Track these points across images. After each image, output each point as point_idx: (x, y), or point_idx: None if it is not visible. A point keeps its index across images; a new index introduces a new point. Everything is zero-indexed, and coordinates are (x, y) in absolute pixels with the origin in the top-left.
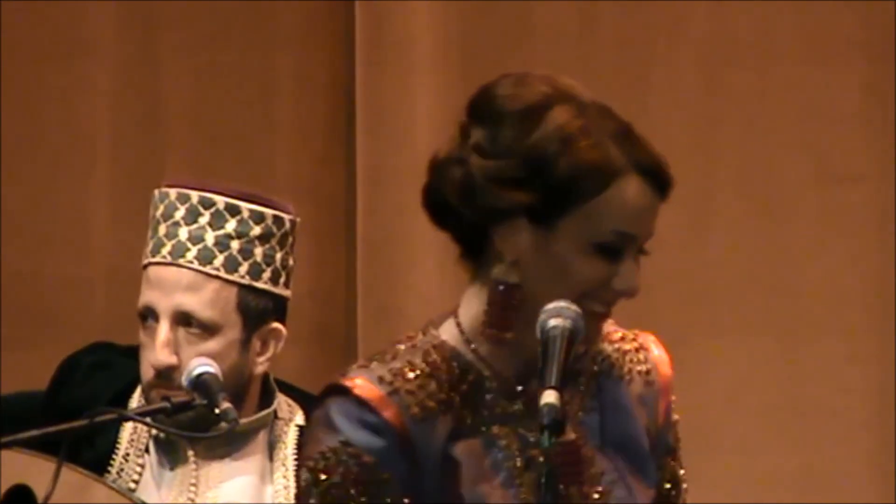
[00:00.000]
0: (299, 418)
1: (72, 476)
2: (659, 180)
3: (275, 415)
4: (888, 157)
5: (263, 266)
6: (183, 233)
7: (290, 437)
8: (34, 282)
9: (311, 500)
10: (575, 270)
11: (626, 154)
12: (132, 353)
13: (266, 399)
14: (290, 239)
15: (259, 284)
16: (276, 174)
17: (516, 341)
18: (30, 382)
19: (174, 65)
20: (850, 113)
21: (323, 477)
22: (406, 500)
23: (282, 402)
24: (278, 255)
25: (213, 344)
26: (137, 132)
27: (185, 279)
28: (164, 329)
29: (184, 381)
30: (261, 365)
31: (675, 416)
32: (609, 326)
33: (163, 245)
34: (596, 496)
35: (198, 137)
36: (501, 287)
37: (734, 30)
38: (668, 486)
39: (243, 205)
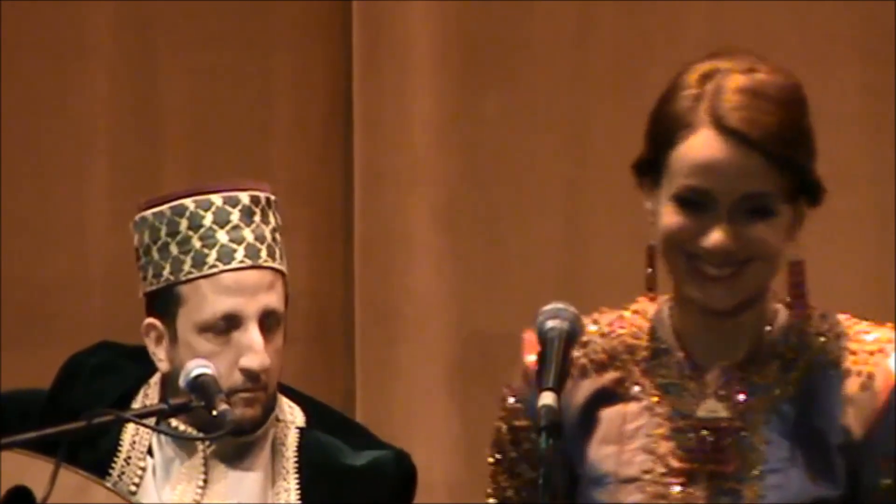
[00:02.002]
0: (300, 420)
1: (71, 477)
2: (734, 135)
3: (276, 416)
4: (887, 159)
5: (285, 253)
6: (248, 234)
7: (291, 439)
8: (32, 282)
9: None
10: (661, 222)
11: (710, 108)
12: (137, 355)
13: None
14: None
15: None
16: (274, 175)
17: (696, 320)
18: (28, 383)
19: (171, 66)
20: (850, 114)
21: (496, 416)
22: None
23: (283, 403)
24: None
25: (280, 339)
26: (135, 133)
27: (266, 279)
28: (256, 332)
29: (181, 382)
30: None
31: None
32: (866, 326)
33: (234, 250)
34: (730, 478)
35: (195, 138)
36: (647, 248)
37: (732, 30)
38: (883, 487)
39: (272, 197)
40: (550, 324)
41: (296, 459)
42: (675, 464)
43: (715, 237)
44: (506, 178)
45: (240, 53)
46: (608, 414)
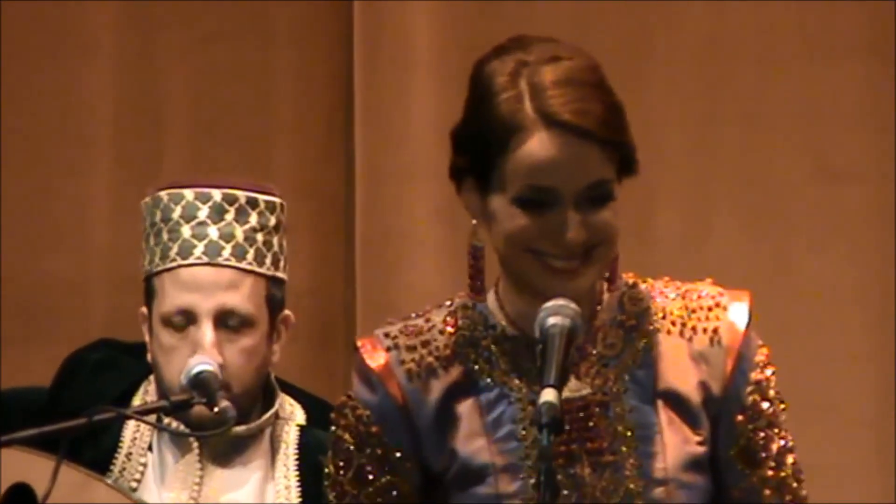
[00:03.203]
0: (300, 417)
1: (72, 475)
2: (570, 130)
3: (276, 414)
4: (888, 157)
5: (279, 255)
6: (213, 231)
7: (291, 436)
8: (33, 279)
9: (329, 451)
10: (502, 226)
11: (537, 108)
12: (137, 351)
13: (269, 398)
14: (285, 222)
15: (279, 274)
16: (276, 172)
17: (534, 303)
18: (29, 380)
19: (174, 64)
20: (850, 111)
21: (333, 428)
22: (398, 453)
23: (283, 401)
24: (285, 242)
25: (249, 339)
26: (137, 131)
27: (225, 277)
28: (208, 329)
29: (182, 379)
30: (275, 355)
31: (759, 376)
32: (690, 285)
33: (193, 246)
34: (606, 451)
35: (197, 136)
36: (470, 250)
37: (733, 28)
38: (742, 442)
39: (260, 197)
40: (552, 320)
41: (296, 457)
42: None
43: (567, 233)
44: None
45: (242, 52)
46: (464, 408)
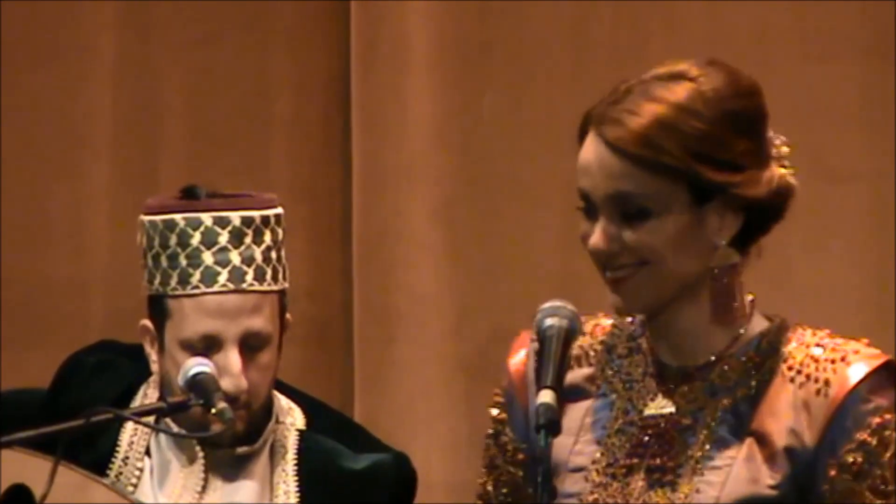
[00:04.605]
0: (299, 420)
1: (70, 476)
2: (602, 137)
3: (276, 419)
4: (886, 156)
5: (286, 265)
6: (235, 257)
7: (291, 441)
8: (31, 282)
9: None
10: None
11: (596, 111)
12: (136, 354)
13: (268, 404)
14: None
15: (287, 284)
16: (273, 174)
17: (654, 320)
18: (28, 382)
19: (171, 65)
20: (848, 112)
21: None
22: (515, 444)
23: (282, 404)
24: (284, 251)
25: (266, 356)
26: (134, 132)
27: (250, 303)
28: (235, 356)
29: (180, 381)
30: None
31: (869, 438)
32: (838, 339)
33: (217, 273)
34: (669, 472)
35: (194, 137)
36: None
37: (730, 28)
38: (833, 497)
39: (271, 212)
40: (549, 322)
41: (295, 462)
42: (620, 456)
43: (591, 239)
44: (504, 176)
45: (238, 53)
46: (575, 408)
